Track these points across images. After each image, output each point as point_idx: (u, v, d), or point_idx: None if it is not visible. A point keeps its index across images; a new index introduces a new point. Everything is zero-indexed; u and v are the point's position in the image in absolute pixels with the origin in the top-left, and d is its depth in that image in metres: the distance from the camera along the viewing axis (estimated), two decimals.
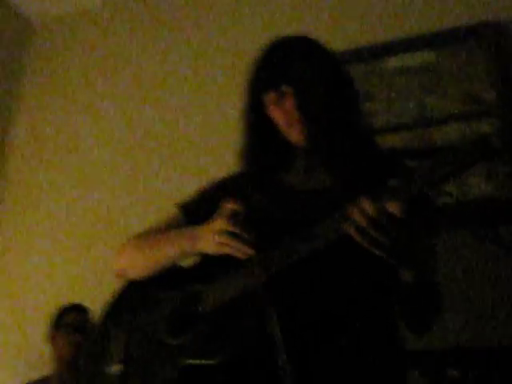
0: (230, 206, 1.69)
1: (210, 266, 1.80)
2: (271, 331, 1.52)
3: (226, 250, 1.70)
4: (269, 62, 1.83)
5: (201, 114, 3.39)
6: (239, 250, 1.67)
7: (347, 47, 3.17)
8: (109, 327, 1.99)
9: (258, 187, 1.86)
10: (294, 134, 1.79)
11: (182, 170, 3.30)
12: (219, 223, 1.70)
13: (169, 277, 1.92)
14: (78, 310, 3.12)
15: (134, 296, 1.99)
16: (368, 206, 1.50)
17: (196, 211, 1.96)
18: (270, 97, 1.80)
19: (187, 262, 1.89)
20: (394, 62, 3.21)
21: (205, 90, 3.42)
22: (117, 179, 3.54)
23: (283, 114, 1.79)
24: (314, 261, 1.63)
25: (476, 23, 3.10)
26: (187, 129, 3.41)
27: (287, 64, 1.78)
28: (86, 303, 3.08)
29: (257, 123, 1.86)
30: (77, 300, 3.15)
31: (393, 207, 1.50)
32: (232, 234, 1.68)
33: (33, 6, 3.73)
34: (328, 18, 3.32)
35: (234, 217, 1.69)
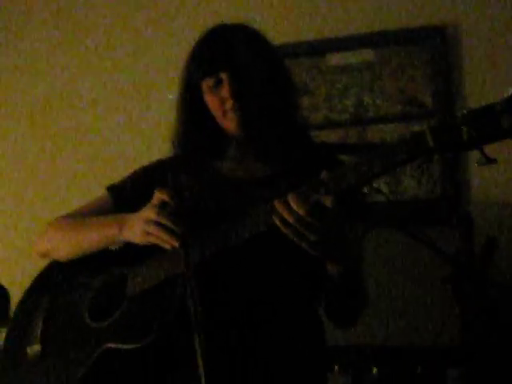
0: (160, 195, 1.66)
1: (136, 249, 1.77)
2: (193, 316, 1.50)
3: (152, 240, 1.67)
4: (207, 47, 1.80)
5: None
6: (165, 241, 1.64)
7: (289, 40, 3.16)
8: (30, 307, 1.96)
9: (189, 171, 1.84)
10: (228, 122, 1.77)
11: None
12: (148, 212, 1.67)
13: (94, 258, 1.88)
14: None
15: (57, 276, 1.96)
16: (295, 199, 1.49)
17: (125, 195, 1.93)
18: (206, 83, 1.78)
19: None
20: (335, 59, 3.22)
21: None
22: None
23: (218, 101, 1.77)
24: (240, 250, 1.62)
25: (419, 26, 3.12)
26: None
27: (225, 51, 1.76)
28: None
29: (192, 108, 1.83)
30: None
31: (322, 200, 1.49)
32: (160, 225, 1.64)
33: None
34: (271, 10, 3.30)
35: (163, 207, 1.65)
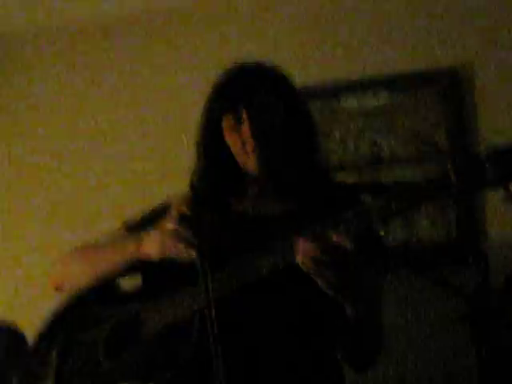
0: (179, 207, 1.64)
1: (152, 286, 1.76)
2: (212, 355, 1.48)
3: (169, 251, 1.65)
4: (228, 85, 1.81)
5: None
6: (182, 252, 1.61)
7: (304, 83, 3.17)
8: (44, 345, 1.94)
9: (208, 210, 1.82)
10: (248, 161, 1.76)
11: None
12: (166, 224, 1.65)
13: (110, 296, 1.87)
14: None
15: (73, 314, 1.93)
16: (314, 236, 1.49)
17: (140, 230, 1.90)
18: (226, 121, 1.78)
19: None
20: (349, 101, 3.24)
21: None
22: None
23: (238, 139, 1.76)
24: (259, 287, 1.62)
25: (432, 68, 3.15)
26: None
27: (246, 87, 1.76)
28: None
29: (211, 146, 1.83)
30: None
31: (341, 240, 1.49)
32: (177, 235, 1.62)
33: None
34: (286, 52, 3.33)
35: (181, 219, 1.63)
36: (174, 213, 1.65)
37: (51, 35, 3.71)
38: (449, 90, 3.11)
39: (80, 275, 1.87)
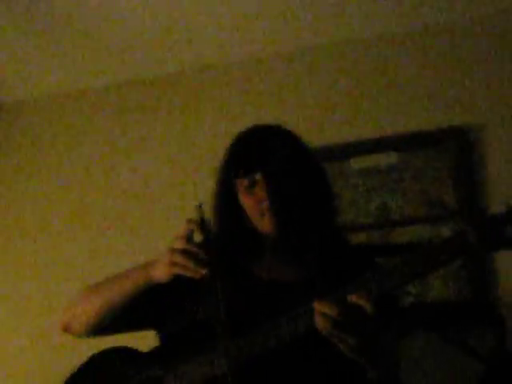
0: (187, 225, 1.62)
1: (172, 350, 1.75)
2: None
3: (178, 270, 1.61)
4: (242, 147, 1.83)
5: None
6: (192, 270, 1.58)
7: (312, 145, 3.19)
8: None
9: (225, 273, 1.82)
10: (264, 223, 1.76)
11: None
12: (174, 243, 1.62)
13: (128, 360, 1.85)
14: None
15: (92, 379, 1.91)
16: (334, 301, 1.49)
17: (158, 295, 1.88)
18: (241, 183, 1.79)
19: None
20: (358, 163, 3.26)
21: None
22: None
23: (253, 202, 1.77)
24: (279, 353, 1.61)
25: (440, 127, 3.17)
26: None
27: (260, 151, 1.77)
28: None
29: (226, 209, 1.83)
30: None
31: (362, 303, 1.49)
32: (186, 253, 1.60)
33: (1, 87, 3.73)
34: (294, 115, 3.36)
35: (190, 237, 1.61)
36: (181, 231, 1.63)
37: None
38: (458, 150, 3.12)
39: (91, 310, 1.81)
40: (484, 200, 3.07)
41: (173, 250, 1.62)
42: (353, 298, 1.49)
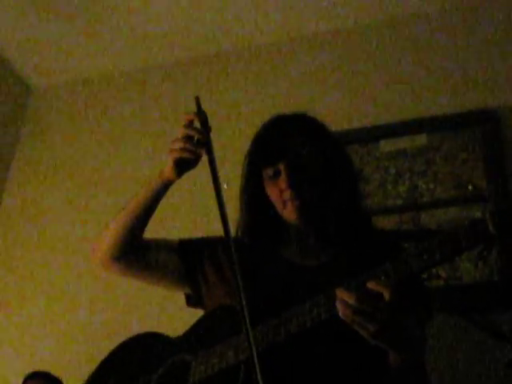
0: (187, 116, 1.71)
1: (199, 336, 1.79)
2: None
3: (179, 154, 1.71)
4: (267, 138, 1.87)
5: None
6: (190, 150, 1.69)
7: (342, 128, 3.20)
8: None
9: (256, 258, 1.86)
10: (287, 212, 1.81)
11: None
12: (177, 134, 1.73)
13: (156, 345, 1.90)
14: (41, 377, 2.84)
15: (120, 365, 1.96)
16: (355, 288, 1.52)
17: (191, 247, 1.97)
18: (266, 173, 1.83)
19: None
20: (387, 145, 3.26)
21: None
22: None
23: (277, 191, 1.81)
24: (303, 338, 1.63)
25: (469, 109, 3.16)
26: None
27: (284, 142, 1.82)
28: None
29: (253, 197, 1.88)
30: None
31: (381, 290, 1.51)
32: (184, 138, 1.70)
33: (34, 72, 3.78)
34: (324, 99, 3.37)
35: (189, 124, 1.71)
36: (183, 123, 1.72)
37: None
38: (487, 132, 3.11)
39: (117, 227, 1.90)
40: None
41: (173, 140, 1.72)
42: (372, 286, 1.51)
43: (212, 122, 1.71)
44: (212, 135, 1.68)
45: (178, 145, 1.70)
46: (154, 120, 3.65)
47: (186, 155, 1.70)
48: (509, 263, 2.90)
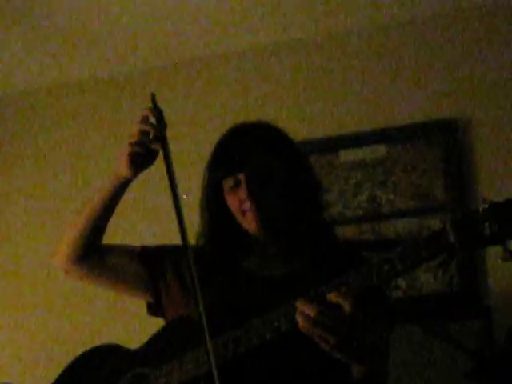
0: (142, 112, 1.70)
1: (158, 349, 1.76)
2: None
3: (134, 149, 1.69)
4: (227, 147, 1.84)
5: None
6: (145, 144, 1.67)
7: (302, 138, 3.20)
8: None
9: (217, 268, 1.84)
10: (247, 222, 1.79)
11: None
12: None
13: (115, 358, 1.87)
14: None
15: (78, 378, 1.93)
16: (315, 299, 1.51)
17: (153, 254, 1.94)
18: (226, 183, 1.81)
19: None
20: (347, 155, 3.26)
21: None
22: None
23: (237, 202, 1.79)
24: (263, 350, 1.61)
25: (429, 120, 3.18)
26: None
27: (243, 151, 1.79)
28: None
29: (213, 207, 1.85)
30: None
31: (341, 302, 1.50)
32: (140, 133, 1.68)
33: None
34: (283, 109, 3.37)
35: (143, 119, 1.69)
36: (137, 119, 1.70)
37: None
38: (446, 142, 3.13)
39: (74, 230, 1.87)
40: (473, 192, 3.08)
41: (130, 136, 1.70)
42: (332, 297, 1.50)
43: (176, 131, 1.70)
44: (173, 145, 1.67)
45: (133, 139, 1.69)
46: (112, 131, 3.60)
47: (140, 150, 1.68)
48: (468, 273, 2.93)
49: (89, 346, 1.98)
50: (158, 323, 1.91)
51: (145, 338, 1.87)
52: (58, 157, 3.68)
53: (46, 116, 3.75)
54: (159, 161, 1.69)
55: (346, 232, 3.15)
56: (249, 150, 1.79)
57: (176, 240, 1.68)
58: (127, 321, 3.20)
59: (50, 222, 3.58)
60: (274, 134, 1.86)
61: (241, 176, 1.77)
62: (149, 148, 1.68)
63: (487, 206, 1.37)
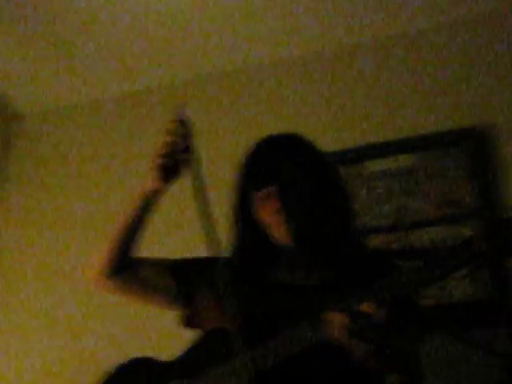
0: (170, 124, 1.74)
1: (195, 360, 1.78)
2: None
3: (161, 161, 1.74)
4: (256, 160, 1.86)
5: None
6: (172, 156, 1.73)
7: (329, 149, 3.21)
8: None
9: (246, 280, 1.85)
10: (280, 236, 1.80)
11: None
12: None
13: (151, 371, 1.88)
14: None
15: None
16: (345, 310, 1.52)
17: (187, 267, 1.97)
18: (256, 196, 1.82)
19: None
20: (374, 165, 3.27)
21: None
22: None
23: (268, 215, 1.80)
24: (296, 361, 1.63)
25: (455, 128, 3.18)
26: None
27: (274, 164, 1.80)
28: None
29: (243, 220, 1.87)
30: None
31: (372, 311, 1.51)
32: (168, 145, 1.73)
33: (21, 97, 3.78)
34: (310, 121, 3.39)
35: (171, 131, 1.73)
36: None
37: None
38: (474, 150, 3.12)
39: (107, 246, 1.91)
40: (501, 198, 3.06)
41: (156, 156, 1.76)
42: (363, 307, 1.51)
43: (204, 142, 1.72)
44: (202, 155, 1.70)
45: (161, 151, 1.72)
46: (140, 146, 3.64)
47: (168, 162, 1.73)
48: (499, 280, 2.91)
49: (94, 368, 1.97)
50: (165, 345, 1.91)
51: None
52: (87, 172, 3.73)
53: (76, 133, 3.81)
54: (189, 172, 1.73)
55: (375, 242, 3.14)
56: (280, 162, 1.79)
57: (205, 252, 1.70)
58: (133, 344, 3.18)
59: (71, 242, 3.61)
60: (304, 146, 1.87)
61: (273, 188, 1.78)
62: (177, 159, 1.71)
63: None
